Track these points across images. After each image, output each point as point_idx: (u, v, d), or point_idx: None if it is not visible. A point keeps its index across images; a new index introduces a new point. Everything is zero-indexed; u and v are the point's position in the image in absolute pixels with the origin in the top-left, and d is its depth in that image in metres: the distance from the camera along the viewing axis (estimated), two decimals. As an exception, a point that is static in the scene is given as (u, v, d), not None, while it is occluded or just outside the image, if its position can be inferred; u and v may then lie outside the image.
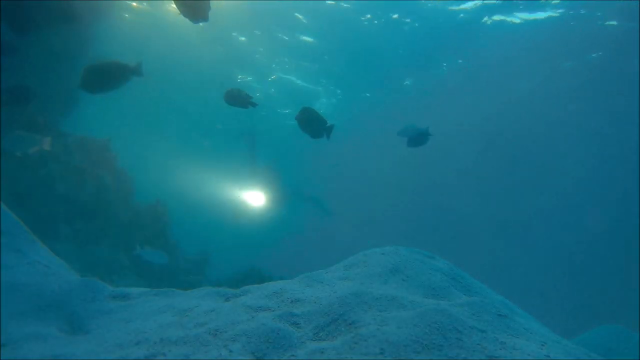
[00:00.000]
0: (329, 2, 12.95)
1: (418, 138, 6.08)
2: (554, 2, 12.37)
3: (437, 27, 13.99)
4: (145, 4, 13.05)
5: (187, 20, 4.72)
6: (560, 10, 12.86)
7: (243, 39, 14.71)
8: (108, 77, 4.36)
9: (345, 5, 13.12)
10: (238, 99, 5.70)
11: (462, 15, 13.43)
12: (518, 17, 13.32)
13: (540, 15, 13.14)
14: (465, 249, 26.06)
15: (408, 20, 13.79)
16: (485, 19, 13.47)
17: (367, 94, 19.66)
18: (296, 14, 13.72)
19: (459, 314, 1.71)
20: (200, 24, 4.83)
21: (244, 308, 1.92)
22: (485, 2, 12.57)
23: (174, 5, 4.77)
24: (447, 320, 1.63)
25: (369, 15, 13.77)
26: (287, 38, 14.89)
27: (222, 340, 1.67)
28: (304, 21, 14.11)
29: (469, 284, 2.25)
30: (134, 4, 13.19)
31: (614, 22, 12.97)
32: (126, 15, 13.26)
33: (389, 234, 28.54)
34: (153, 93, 19.47)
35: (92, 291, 2.08)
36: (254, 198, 18.61)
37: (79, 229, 7.07)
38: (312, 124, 5.02)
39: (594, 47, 14.38)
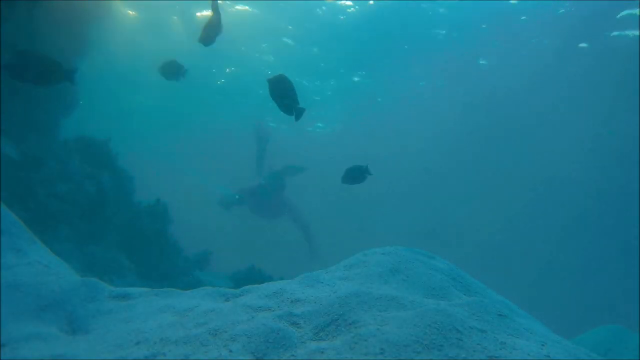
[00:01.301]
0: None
1: (355, 175, 5.75)
2: None
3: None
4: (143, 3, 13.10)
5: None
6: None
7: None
8: (37, 70, 4.08)
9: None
10: (172, 71, 5.69)
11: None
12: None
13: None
14: (464, 248, 26.09)
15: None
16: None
17: (355, 78, 19.65)
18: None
19: (459, 314, 1.71)
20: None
21: (244, 308, 1.92)
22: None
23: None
24: (447, 320, 1.63)
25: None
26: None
27: (222, 340, 1.67)
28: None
29: (469, 284, 2.25)
30: (131, 12, 13.26)
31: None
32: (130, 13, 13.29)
33: (388, 234, 28.56)
34: (153, 90, 19.53)
35: (92, 291, 2.08)
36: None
37: (79, 229, 7.07)
38: (285, 96, 4.66)
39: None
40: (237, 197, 11.44)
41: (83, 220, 7.13)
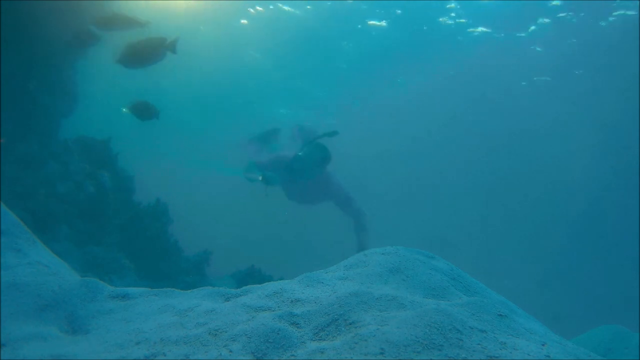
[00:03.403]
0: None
1: (142, 112, 5.35)
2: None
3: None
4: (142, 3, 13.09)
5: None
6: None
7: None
8: None
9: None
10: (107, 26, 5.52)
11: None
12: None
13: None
14: (464, 247, 26.10)
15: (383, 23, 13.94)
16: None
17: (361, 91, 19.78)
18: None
19: (459, 314, 1.71)
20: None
21: (244, 308, 1.92)
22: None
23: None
24: (447, 320, 1.63)
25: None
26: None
27: (222, 340, 1.67)
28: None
29: (469, 284, 2.25)
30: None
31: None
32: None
33: (388, 234, 28.56)
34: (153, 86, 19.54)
35: (92, 291, 2.07)
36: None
37: (79, 229, 7.07)
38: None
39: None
40: (260, 176, 7.30)
41: (83, 220, 7.12)
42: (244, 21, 15.31)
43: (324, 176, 7.59)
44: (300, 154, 7.26)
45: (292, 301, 1.97)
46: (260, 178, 7.45)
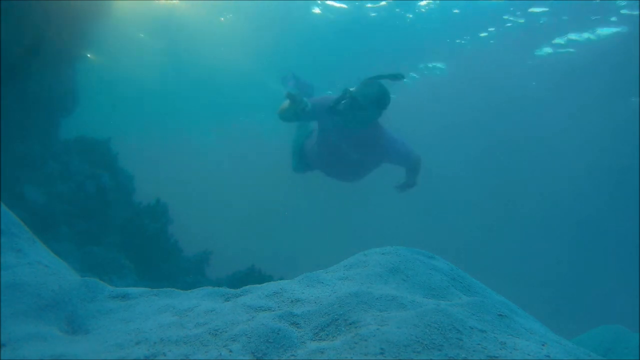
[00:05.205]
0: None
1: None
2: None
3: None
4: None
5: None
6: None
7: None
8: None
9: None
10: None
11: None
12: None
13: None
14: (464, 247, 26.09)
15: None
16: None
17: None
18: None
19: (459, 314, 1.71)
20: None
21: (244, 308, 1.92)
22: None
23: None
24: (447, 320, 1.63)
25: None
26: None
27: (222, 340, 1.67)
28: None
29: (469, 284, 2.25)
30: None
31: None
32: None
33: (388, 234, 28.54)
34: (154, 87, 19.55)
35: (92, 291, 2.07)
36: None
37: (79, 229, 7.07)
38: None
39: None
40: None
41: (83, 220, 7.13)
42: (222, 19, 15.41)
43: (375, 130, 5.58)
44: (352, 89, 5.34)
45: (292, 301, 1.97)
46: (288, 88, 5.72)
